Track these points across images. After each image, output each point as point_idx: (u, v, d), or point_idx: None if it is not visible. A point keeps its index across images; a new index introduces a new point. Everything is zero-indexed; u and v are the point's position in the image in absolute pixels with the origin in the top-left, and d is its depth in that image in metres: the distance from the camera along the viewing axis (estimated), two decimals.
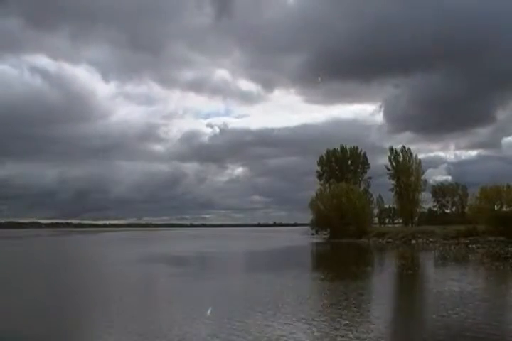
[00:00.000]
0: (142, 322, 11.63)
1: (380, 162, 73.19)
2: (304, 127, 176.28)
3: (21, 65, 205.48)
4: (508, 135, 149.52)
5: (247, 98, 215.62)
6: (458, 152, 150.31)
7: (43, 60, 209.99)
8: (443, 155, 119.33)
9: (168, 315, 12.81)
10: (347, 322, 11.30)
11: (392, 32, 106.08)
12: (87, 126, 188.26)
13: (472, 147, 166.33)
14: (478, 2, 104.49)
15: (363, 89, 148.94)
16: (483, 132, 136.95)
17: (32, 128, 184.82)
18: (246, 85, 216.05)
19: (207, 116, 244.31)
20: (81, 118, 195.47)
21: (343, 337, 9.79)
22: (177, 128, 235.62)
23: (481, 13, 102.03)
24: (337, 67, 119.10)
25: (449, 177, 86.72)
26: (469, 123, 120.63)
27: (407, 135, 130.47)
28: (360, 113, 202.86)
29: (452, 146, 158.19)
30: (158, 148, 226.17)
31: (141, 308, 14.16)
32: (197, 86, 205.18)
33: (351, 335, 9.94)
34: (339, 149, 74.85)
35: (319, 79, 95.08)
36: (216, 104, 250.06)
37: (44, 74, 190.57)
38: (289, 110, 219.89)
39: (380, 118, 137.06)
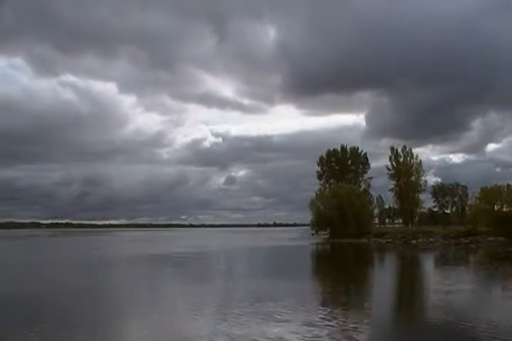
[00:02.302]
0: None
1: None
2: (300, 134, 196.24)
3: (52, 81, 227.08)
4: (491, 141, 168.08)
5: (248, 110, 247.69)
6: (444, 156, 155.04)
7: (71, 77, 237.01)
8: (432, 159, 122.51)
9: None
10: (342, 322, 11.33)
11: (373, 51, 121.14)
12: (103, 133, 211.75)
13: (457, 152, 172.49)
14: (456, 24, 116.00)
15: (350, 100, 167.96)
16: (466, 138, 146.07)
17: (49, 135, 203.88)
18: (248, 99, 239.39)
19: (212, 125, 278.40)
20: (99, 126, 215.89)
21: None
22: (184, 136, 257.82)
23: (457, 34, 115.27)
24: (325, 84, 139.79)
25: (439, 180, 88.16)
26: (452, 130, 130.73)
27: (393, 141, 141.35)
28: (349, 121, 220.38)
29: (438, 151, 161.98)
30: (165, 153, 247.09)
31: None
32: (205, 100, 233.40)
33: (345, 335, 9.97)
34: (339, 149, 74.83)
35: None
36: (221, 115, 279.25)
37: (72, 89, 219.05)
38: (286, 120, 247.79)
39: (367, 125, 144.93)
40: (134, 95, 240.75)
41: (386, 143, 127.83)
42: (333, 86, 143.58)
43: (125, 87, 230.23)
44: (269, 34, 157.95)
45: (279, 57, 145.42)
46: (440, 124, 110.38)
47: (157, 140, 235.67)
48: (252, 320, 11.44)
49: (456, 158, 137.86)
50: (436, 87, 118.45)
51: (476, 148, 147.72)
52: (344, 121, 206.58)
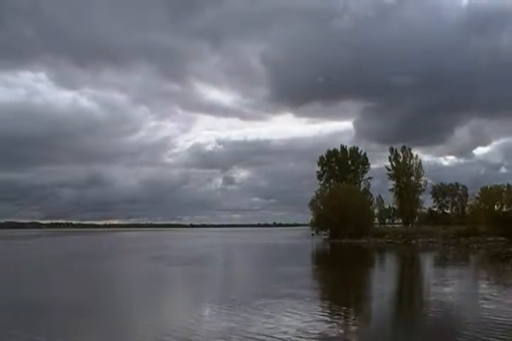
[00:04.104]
0: None
1: None
2: (297, 140, 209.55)
3: (71, 93, 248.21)
4: (479, 144, 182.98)
5: (248, 118, 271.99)
6: (434, 159, 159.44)
7: (89, 89, 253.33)
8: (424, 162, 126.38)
9: None
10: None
11: (358, 66, 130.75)
12: (112, 139, 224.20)
13: (446, 155, 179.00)
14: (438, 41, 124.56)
15: (340, 109, 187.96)
16: (455, 142, 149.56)
17: (61, 140, 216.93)
18: (247, 109, 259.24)
19: (215, 131, 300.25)
20: (110, 133, 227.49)
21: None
22: (189, 141, 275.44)
23: (442, 50, 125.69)
24: (315, 95, 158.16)
25: (431, 181, 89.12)
26: (440, 134, 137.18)
27: (382, 146, 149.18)
28: (341, 127, 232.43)
29: (427, 155, 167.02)
30: (169, 156, 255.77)
31: None
32: (210, 109, 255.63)
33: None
34: (339, 149, 74.78)
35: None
36: (224, 122, 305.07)
37: (89, 100, 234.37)
38: (283, 127, 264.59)
39: (356, 131, 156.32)
40: (146, 105, 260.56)
41: (375, 147, 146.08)
42: (323, 96, 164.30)
43: (138, 98, 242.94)
44: (260, 51, 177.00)
45: (270, 71, 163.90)
46: (428, 129, 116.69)
47: (163, 145, 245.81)
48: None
49: (446, 161, 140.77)
50: (422, 95, 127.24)
51: (465, 151, 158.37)
52: (337, 128, 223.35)
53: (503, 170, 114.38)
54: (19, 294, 16.36)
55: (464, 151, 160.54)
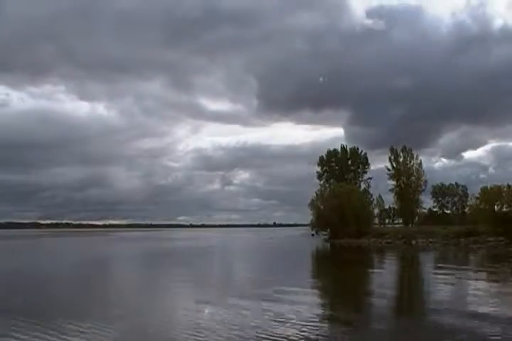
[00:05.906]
0: None
1: None
2: (295, 145, 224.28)
3: (88, 102, 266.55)
4: (469, 148, 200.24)
5: (249, 125, 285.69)
6: (425, 161, 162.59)
7: (103, 99, 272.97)
8: None
9: None
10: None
11: (352, 76, 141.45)
12: (120, 143, 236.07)
13: (436, 157, 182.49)
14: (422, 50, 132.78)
15: (334, 116, 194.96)
16: (444, 146, 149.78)
17: (70, 144, 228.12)
18: (247, 117, 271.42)
19: (217, 136, 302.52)
20: (119, 138, 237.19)
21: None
22: (192, 145, 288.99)
23: (427, 65, 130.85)
24: (309, 104, 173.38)
25: None
26: (430, 138, 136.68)
27: (373, 151, 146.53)
28: (336, 134, 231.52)
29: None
30: (174, 159, 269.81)
31: None
32: (215, 116, 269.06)
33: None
34: (339, 149, 74.71)
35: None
36: (226, 128, 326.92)
37: (104, 108, 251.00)
38: (282, 133, 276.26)
39: (347, 137, 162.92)
40: (156, 114, 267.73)
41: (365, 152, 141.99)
42: (313, 105, 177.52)
43: (149, 107, 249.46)
44: (252, 66, 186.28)
45: (262, 84, 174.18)
46: (419, 134, 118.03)
47: (169, 149, 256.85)
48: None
49: (436, 164, 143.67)
50: (413, 104, 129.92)
51: (455, 154, 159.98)
52: (332, 134, 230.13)
53: (491, 171, 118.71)
54: None
55: (454, 154, 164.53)
